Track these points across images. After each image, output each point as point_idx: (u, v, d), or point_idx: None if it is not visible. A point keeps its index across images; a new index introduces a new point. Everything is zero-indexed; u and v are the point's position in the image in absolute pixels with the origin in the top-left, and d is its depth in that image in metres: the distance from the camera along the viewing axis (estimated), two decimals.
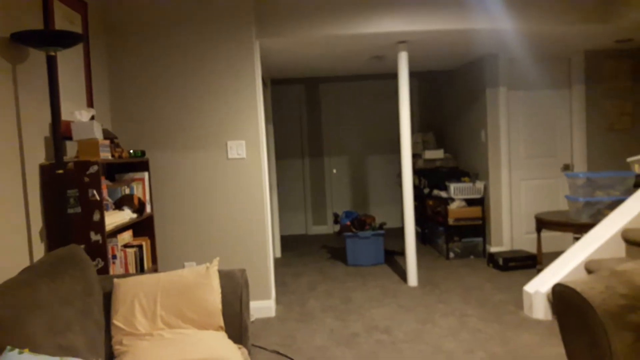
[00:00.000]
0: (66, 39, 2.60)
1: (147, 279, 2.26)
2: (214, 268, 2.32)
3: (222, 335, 2.16)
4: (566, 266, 3.72)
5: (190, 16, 3.96)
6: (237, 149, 4.02)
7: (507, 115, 5.62)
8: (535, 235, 5.67)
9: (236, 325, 2.30)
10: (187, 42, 3.97)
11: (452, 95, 6.75)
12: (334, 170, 7.71)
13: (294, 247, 6.77)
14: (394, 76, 7.32)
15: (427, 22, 4.16)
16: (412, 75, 7.60)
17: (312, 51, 4.86)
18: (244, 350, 2.20)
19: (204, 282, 2.23)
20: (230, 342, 2.13)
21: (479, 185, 5.70)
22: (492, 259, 5.29)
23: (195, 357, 1.90)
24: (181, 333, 2.08)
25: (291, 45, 4.52)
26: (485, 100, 5.63)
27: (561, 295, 2.06)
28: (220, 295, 2.26)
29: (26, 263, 2.62)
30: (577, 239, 4.20)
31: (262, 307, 4.08)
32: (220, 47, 3.98)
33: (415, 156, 6.86)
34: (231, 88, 4.00)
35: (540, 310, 3.72)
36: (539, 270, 4.41)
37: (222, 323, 2.21)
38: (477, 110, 5.88)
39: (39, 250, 2.76)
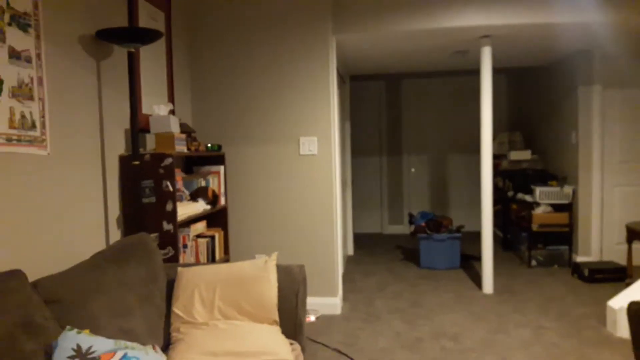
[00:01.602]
0: (145, 36, 2.74)
1: (209, 270, 2.34)
2: (272, 262, 2.36)
3: (276, 330, 2.20)
4: None
5: (268, 13, 4.05)
6: (309, 145, 4.06)
7: (601, 115, 5.25)
8: (626, 246, 5.26)
9: (291, 320, 2.33)
10: (264, 38, 4.06)
11: (542, 93, 6.40)
12: (413, 169, 7.59)
13: (368, 246, 6.74)
14: (478, 72, 7.07)
15: (512, 16, 3.97)
16: (500, 71, 7.30)
17: (392, 46, 4.79)
18: (297, 346, 2.23)
19: (261, 275, 2.28)
20: (282, 337, 2.16)
21: (567, 189, 5.37)
22: (577, 269, 4.97)
23: (245, 349, 1.95)
24: (235, 324, 2.14)
25: (370, 41, 4.49)
26: (577, 99, 5.29)
27: (637, 315, 1.90)
28: (276, 290, 2.30)
29: (103, 248, 2.81)
30: None
31: (328, 303, 4.10)
32: (296, 43, 4.03)
33: (500, 157, 6.60)
34: (305, 84, 4.05)
35: (625, 327, 3.45)
36: (628, 285, 4.09)
37: (276, 317, 2.25)
38: (568, 109, 5.54)
39: (116, 237, 2.94)
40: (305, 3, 3.99)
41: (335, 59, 4.16)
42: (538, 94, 6.56)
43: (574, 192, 5.40)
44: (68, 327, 1.60)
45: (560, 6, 3.91)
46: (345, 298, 4.51)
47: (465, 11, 3.99)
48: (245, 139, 4.15)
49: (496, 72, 7.30)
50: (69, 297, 1.79)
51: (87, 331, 1.65)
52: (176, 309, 2.22)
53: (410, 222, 5.82)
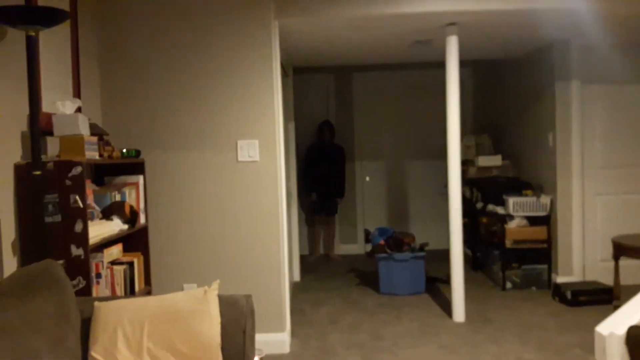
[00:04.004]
0: (48, 17, 2.67)
1: (134, 304, 2.29)
2: (213, 292, 2.34)
3: None
4: None
5: None
6: (248, 150, 4.04)
7: (581, 114, 5.52)
8: (612, 264, 5.53)
9: None
10: (193, 23, 4.02)
11: (514, 89, 6.67)
12: (367, 178, 7.69)
13: (316, 269, 6.77)
14: (442, 65, 7.28)
15: (481, 1, 4.12)
16: (465, 64, 7.49)
17: (342, 34, 4.86)
18: None
19: (200, 309, 2.25)
20: None
21: (545, 200, 5.60)
22: (558, 292, 5.19)
23: None
24: None
25: (318, 27, 4.54)
26: (554, 96, 5.54)
27: (638, 341, 2.00)
28: (219, 326, 2.28)
29: None
30: None
31: (274, 340, 4.07)
32: (232, 30, 4.01)
33: (467, 163, 6.78)
34: (244, 78, 4.03)
35: (616, 356, 3.62)
36: (616, 307, 4.30)
37: (220, 359, 2.22)
38: (544, 107, 5.80)
39: (11, 266, 2.82)
40: None
41: (279, 48, 4.17)
42: (509, 91, 6.83)
43: (552, 203, 5.63)
44: None
45: None
46: (293, 333, 4.49)
47: None
48: (170, 143, 4.08)
49: (460, 65, 7.52)
50: None
51: None
52: (95, 354, 2.15)
53: (367, 240, 5.89)
